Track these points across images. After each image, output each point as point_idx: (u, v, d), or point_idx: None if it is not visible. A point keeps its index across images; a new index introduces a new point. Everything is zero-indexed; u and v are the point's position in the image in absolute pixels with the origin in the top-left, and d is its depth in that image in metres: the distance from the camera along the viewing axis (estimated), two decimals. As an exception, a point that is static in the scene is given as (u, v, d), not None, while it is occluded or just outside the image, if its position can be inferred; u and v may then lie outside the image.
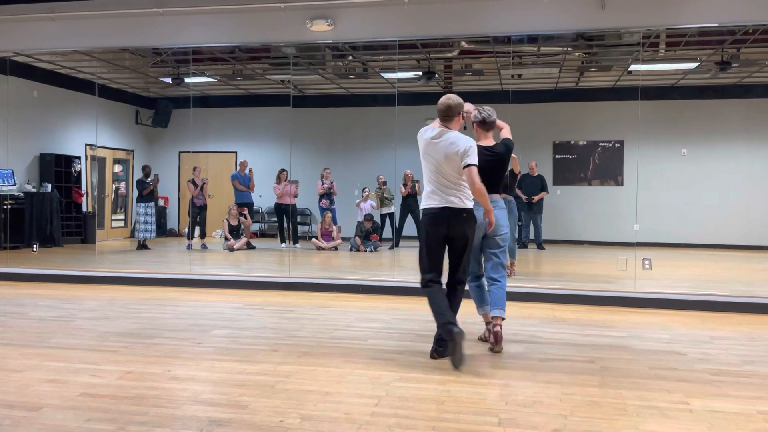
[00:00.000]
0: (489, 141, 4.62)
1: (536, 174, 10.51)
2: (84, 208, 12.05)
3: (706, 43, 9.07)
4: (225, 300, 6.40)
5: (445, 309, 4.09)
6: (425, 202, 4.29)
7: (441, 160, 4.18)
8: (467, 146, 4.15)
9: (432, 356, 4.19)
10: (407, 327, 5.14)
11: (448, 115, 4.24)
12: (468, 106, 4.53)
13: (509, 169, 5.34)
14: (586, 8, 6.59)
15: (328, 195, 11.61)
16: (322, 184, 11.60)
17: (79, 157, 11.97)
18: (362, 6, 7.05)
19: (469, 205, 4.21)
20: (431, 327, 5.09)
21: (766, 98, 11.46)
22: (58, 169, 11.43)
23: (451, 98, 4.26)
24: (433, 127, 4.30)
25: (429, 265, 4.24)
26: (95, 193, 12.38)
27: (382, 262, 9.58)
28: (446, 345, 4.06)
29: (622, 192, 11.70)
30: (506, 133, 4.78)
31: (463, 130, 4.39)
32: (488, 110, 4.62)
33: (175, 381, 3.61)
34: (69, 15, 7.66)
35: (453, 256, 4.28)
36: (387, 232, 11.31)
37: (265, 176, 11.78)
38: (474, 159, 4.12)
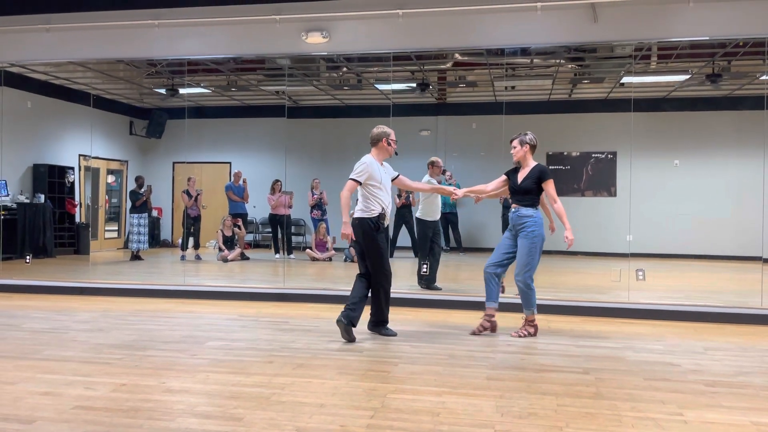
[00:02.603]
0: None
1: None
2: (77, 219, 12.01)
3: (697, 56, 9.16)
4: (219, 311, 6.39)
5: (353, 297, 5.00)
6: None
7: None
8: (356, 165, 5.18)
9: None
10: (403, 337, 5.14)
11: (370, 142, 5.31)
12: (392, 135, 5.34)
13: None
14: (578, 22, 6.65)
15: (319, 205, 11.60)
16: (313, 194, 11.60)
17: (72, 168, 11.95)
18: (357, 18, 7.10)
19: (357, 214, 5.10)
20: (429, 337, 5.10)
21: (756, 110, 11.51)
22: (51, 179, 11.39)
23: (375, 128, 5.31)
24: None
25: None
26: (90, 204, 12.35)
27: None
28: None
29: (615, 203, 11.72)
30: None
31: (394, 156, 5.39)
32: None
33: (169, 393, 3.59)
34: (64, 26, 7.66)
35: None
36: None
37: (260, 187, 11.77)
38: (352, 174, 5.10)
